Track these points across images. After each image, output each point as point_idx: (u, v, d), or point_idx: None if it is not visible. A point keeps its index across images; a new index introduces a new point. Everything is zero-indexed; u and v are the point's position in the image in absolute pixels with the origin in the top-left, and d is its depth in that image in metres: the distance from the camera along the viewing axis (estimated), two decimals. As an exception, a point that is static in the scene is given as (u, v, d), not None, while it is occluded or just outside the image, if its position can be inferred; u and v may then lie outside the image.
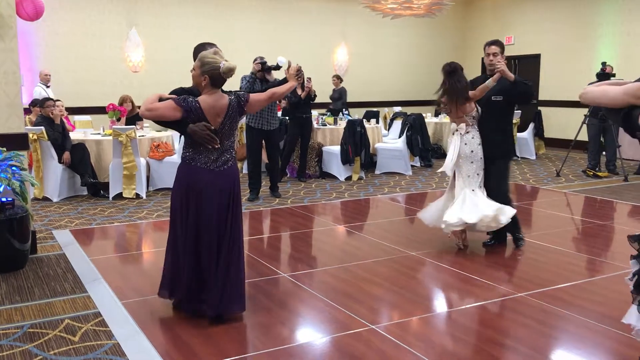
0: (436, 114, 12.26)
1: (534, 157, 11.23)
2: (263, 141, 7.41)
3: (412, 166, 9.70)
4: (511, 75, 4.83)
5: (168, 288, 3.63)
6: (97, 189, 7.50)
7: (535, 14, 13.02)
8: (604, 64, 9.00)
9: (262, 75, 6.94)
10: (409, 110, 11.79)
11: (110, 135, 7.59)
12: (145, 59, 10.87)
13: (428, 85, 14.38)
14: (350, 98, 11.86)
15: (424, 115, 10.59)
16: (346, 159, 8.68)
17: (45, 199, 7.26)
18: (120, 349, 3.19)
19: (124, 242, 5.72)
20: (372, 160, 9.50)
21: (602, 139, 9.21)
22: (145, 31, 10.91)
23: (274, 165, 7.59)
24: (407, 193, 7.93)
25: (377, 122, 10.47)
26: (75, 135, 7.90)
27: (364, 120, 9.70)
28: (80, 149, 7.39)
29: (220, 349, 3.21)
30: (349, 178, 8.80)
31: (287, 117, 8.73)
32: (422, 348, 3.24)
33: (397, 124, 10.36)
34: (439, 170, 5.29)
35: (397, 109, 12.28)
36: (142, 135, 7.94)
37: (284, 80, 3.74)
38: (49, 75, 9.92)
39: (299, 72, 3.69)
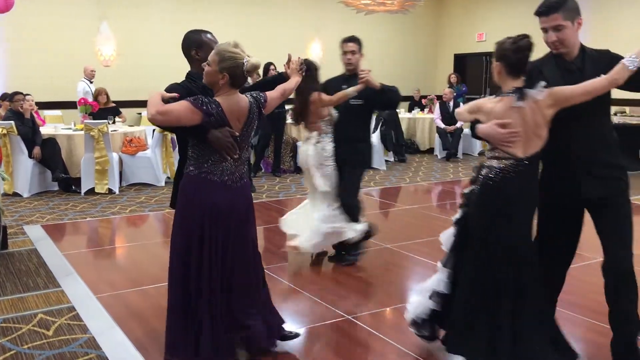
0: (410, 110, 12.38)
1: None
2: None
3: (386, 161, 9.78)
4: (377, 84, 4.37)
5: (182, 344, 2.82)
6: (69, 184, 7.41)
7: (506, 11, 13.22)
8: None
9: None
10: (383, 105, 11.86)
11: (81, 129, 7.49)
12: (117, 52, 10.74)
13: (401, 81, 14.47)
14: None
15: (397, 110, 10.69)
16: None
17: (16, 194, 7.14)
18: (96, 342, 3.17)
19: (97, 237, 5.66)
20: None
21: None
22: (117, 24, 10.76)
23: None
24: (381, 187, 8.00)
25: (351, 117, 10.51)
26: (45, 130, 7.78)
27: (338, 115, 9.73)
28: (51, 143, 7.29)
29: (197, 341, 3.22)
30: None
31: None
32: (396, 337, 3.30)
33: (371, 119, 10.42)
34: (322, 189, 4.56)
35: (371, 104, 12.36)
36: (115, 130, 7.86)
37: (280, 76, 3.30)
38: (94, 72, 9.92)
39: (302, 65, 3.27)
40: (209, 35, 3.11)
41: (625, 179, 2.83)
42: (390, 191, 7.81)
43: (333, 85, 4.51)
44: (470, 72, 14.24)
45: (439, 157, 10.67)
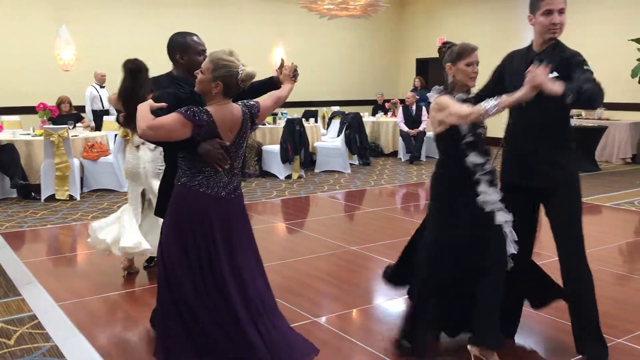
0: (373, 113, 12.50)
1: (466, 155, 11.62)
2: None
3: (350, 164, 9.85)
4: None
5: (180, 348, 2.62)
6: (28, 191, 7.24)
7: (465, 16, 13.48)
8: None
9: None
10: (347, 109, 11.96)
11: (41, 135, 7.33)
12: (77, 57, 10.55)
13: (365, 84, 14.68)
14: (288, 97, 11.90)
15: (361, 114, 10.78)
16: (286, 158, 8.73)
17: (-28, 202, 6.94)
18: (59, 350, 3.12)
19: (58, 244, 5.55)
20: (312, 159, 9.60)
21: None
22: (76, 28, 10.57)
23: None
24: (346, 190, 8.06)
25: (316, 121, 10.58)
26: (3, 136, 7.59)
27: (303, 119, 9.78)
28: (8, 149, 7.11)
29: (163, 346, 3.19)
30: (289, 177, 8.85)
31: None
32: (363, 337, 3.34)
33: (336, 123, 10.50)
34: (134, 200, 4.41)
35: (335, 108, 12.43)
36: (75, 135, 7.72)
37: (270, 80, 3.16)
38: (105, 76, 9.73)
39: (295, 71, 3.10)
40: (194, 38, 2.99)
41: (568, 176, 2.92)
42: (355, 194, 7.88)
43: (161, 83, 4.33)
44: (432, 76, 14.46)
45: (403, 160, 10.80)
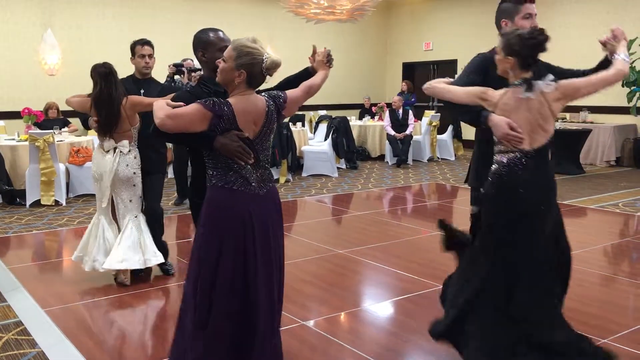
0: (360, 117, 12.54)
1: (453, 158, 11.69)
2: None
3: (338, 168, 9.87)
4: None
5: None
6: (13, 197, 7.17)
7: (450, 21, 13.58)
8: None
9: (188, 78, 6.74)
10: (334, 113, 11.99)
11: (25, 140, 7.27)
12: (62, 61, 10.48)
13: (352, 88, 14.71)
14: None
15: (348, 118, 10.81)
16: (273, 162, 8.72)
17: (-45, 208, 6.86)
18: (45, 356, 3.09)
19: (44, 250, 5.50)
20: (299, 163, 9.60)
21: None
22: (62, 32, 10.51)
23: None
24: (333, 194, 8.07)
25: (303, 125, 10.59)
26: (-13, 141, 7.51)
27: (290, 123, 9.78)
28: (-7, 155, 7.04)
29: (151, 352, 3.18)
30: (276, 181, 8.85)
31: None
32: (351, 340, 3.34)
33: (323, 127, 10.52)
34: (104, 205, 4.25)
35: (322, 112, 12.46)
36: (61, 140, 7.66)
37: (305, 71, 2.94)
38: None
39: (329, 56, 2.88)
40: (218, 34, 2.82)
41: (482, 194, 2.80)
42: (342, 198, 7.89)
43: (127, 85, 4.29)
44: (419, 80, 14.53)
45: (390, 163, 10.84)
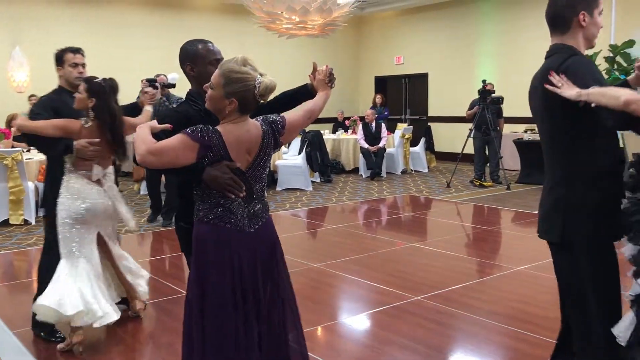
0: (334, 131, 12.59)
1: (426, 170, 11.81)
2: None
3: (312, 182, 9.88)
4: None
5: None
6: (-20, 216, 7.00)
7: (421, 35, 13.78)
8: (484, 81, 9.69)
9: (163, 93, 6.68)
10: (308, 127, 12.02)
11: (-7, 158, 7.13)
12: (31, 78, 10.33)
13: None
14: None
15: (322, 132, 10.86)
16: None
17: None
18: (14, 380, 3.02)
19: (13, 270, 5.39)
20: (273, 177, 9.60)
21: (486, 151, 9.86)
22: (31, 50, 10.38)
23: (169, 193, 7.01)
24: (308, 208, 8.07)
25: (277, 139, 10.58)
26: (-47, 160, 7.33)
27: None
28: (-41, 174, 6.87)
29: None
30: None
31: None
32: (328, 354, 3.34)
33: (297, 141, 10.53)
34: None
35: (296, 126, 12.48)
36: (30, 158, 7.54)
37: (304, 88, 2.69)
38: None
39: (331, 75, 2.64)
40: (208, 46, 2.56)
41: None
42: (317, 211, 7.90)
43: (58, 104, 3.61)
44: (391, 94, 14.69)
45: (364, 176, 10.89)
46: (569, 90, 2.13)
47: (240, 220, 2.26)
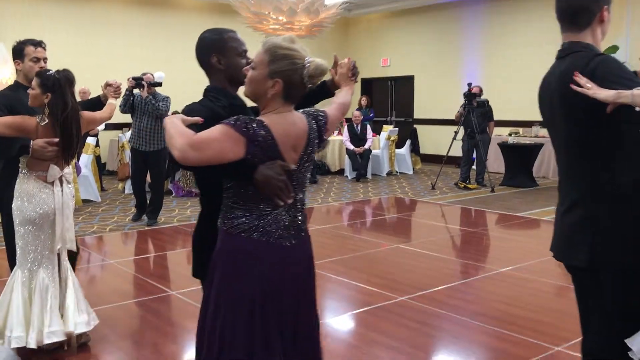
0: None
1: (411, 172, 11.87)
2: (145, 162, 6.86)
3: (297, 183, 9.87)
4: None
5: None
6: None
7: (407, 38, 13.85)
8: (469, 84, 9.76)
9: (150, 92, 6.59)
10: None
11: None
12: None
13: (310, 104, 14.78)
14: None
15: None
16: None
17: None
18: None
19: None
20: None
21: (474, 154, 9.93)
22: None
23: (154, 192, 6.96)
24: (293, 209, 8.06)
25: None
26: None
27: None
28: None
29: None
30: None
31: None
32: (313, 354, 3.34)
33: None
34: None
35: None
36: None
37: (322, 85, 2.38)
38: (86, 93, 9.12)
39: (354, 68, 2.38)
40: (237, 35, 2.23)
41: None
42: (302, 212, 7.90)
43: (13, 102, 3.36)
44: (376, 96, 14.74)
45: (349, 177, 10.92)
46: (603, 92, 1.82)
47: (279, 232, 1.93)
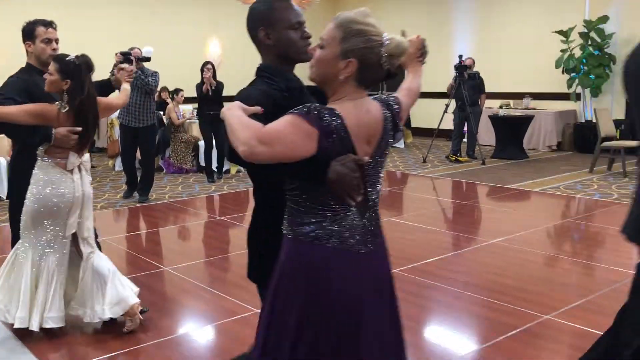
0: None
1: (402, 146, 11.87)
2: (135, 139, 6.82)
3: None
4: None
5: None
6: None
7: (398, 12, 13.72)
8: (460, 56, 9.72)
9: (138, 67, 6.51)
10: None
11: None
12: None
13: (301, 78, 14.68)
14: (225, 92, 11.80)
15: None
16: (221, 153, 8.65)
17: None
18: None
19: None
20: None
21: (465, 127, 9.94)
22: (1, 33, 10.10)
23: (145, 169, 6.94)
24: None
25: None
26: None
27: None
28: None
29: (105, 345, 3.14)
30: (227, 171, 8.78)
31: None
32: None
33: (273, 117, 10.49)
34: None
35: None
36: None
37: None
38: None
39: (424, 47, 2.13)
40: (290, 4, 1.93)
41: None
42: (294, 187, 7.90)
43: (31, 86, 3.26)
44: (368, 69, 14.65)
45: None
46: None
47: (353, 236, 1.68)
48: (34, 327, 3.07)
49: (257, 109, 1.64)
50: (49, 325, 3.12)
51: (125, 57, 6.07)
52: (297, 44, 1.88)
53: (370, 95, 1.77)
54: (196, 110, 8.56)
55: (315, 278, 1.65)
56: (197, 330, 3.41)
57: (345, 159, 1.57)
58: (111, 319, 3.21)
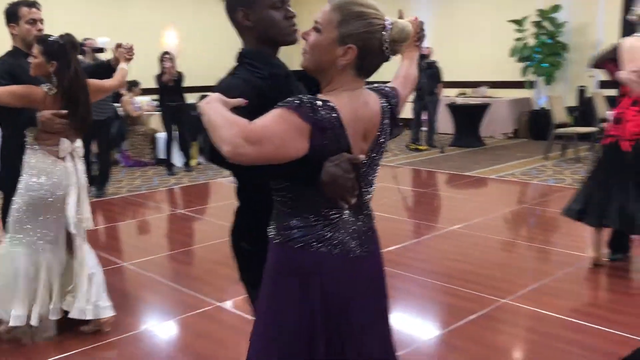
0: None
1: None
2: (90, 132, 6.72)
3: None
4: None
5: None
6: None
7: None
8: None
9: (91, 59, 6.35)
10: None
11: None
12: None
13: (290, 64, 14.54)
14: (185, 82, 11.60)
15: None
16: (183, 144, 8.51)
17: None
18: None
19: None
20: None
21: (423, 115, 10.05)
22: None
23: (101, 162, 6.79)
24: (246, 175, 8.01)
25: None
26: None
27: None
28: None
29: (62, 345, 3.07)
30: (186, 164, 8.66)
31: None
32: (269, 318, 3.37)
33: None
34: None
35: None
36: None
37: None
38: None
39: (422, 30, 1.97)
40: None
41: None
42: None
43: (17, 69, 3.17)
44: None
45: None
46: None
47: (346, 240, 1.56)
48: (34, 322, 3.00)
49: (240, 100, 1.47)
50: (54, 317, 3.06)
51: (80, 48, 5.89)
52: (280, 25, 1.71)
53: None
54: (156, 102, 8.41)
55: (306, 284, 1.53)
56: (158, 326, 3.37)
57: (340, 159, 1.44)
58: (66, 316, 3.13)
